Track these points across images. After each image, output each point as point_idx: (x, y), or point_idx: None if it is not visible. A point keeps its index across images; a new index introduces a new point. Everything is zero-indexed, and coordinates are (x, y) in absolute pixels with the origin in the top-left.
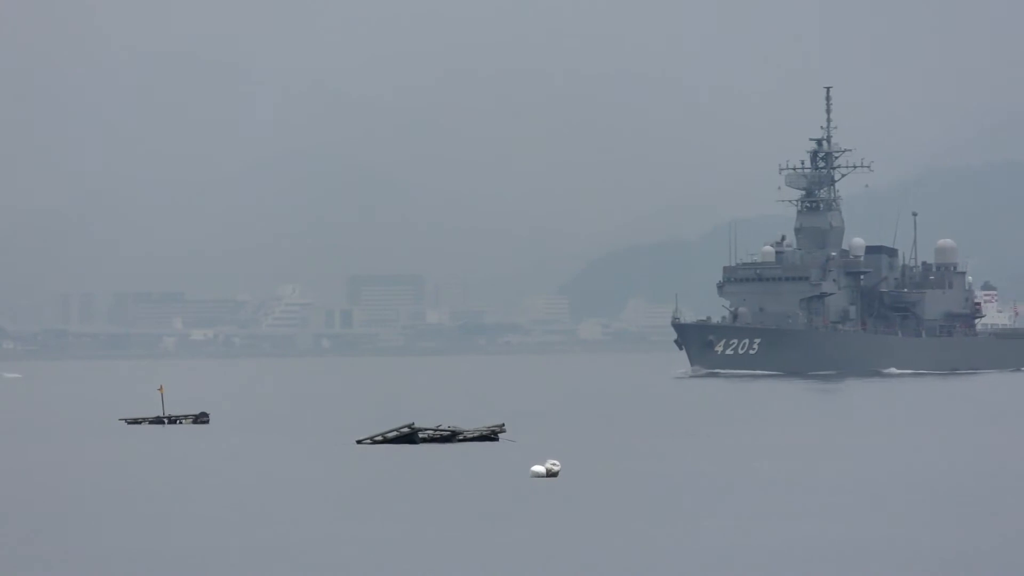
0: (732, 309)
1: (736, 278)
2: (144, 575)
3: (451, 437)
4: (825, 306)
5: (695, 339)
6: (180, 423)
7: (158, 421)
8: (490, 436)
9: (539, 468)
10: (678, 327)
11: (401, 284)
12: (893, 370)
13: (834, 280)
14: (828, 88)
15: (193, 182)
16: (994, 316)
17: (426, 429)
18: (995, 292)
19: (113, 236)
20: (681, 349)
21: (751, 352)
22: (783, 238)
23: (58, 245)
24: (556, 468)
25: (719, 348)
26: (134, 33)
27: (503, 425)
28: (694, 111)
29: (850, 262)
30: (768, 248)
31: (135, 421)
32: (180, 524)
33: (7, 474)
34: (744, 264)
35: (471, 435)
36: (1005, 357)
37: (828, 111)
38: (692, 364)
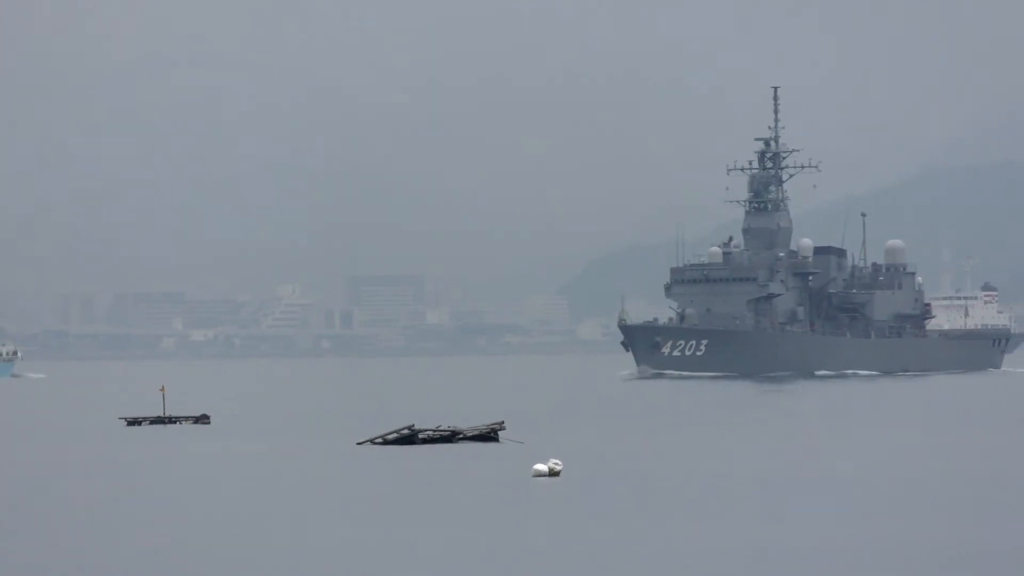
0: (679, 310)
1: (683, 279)
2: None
3: (451, 437)
4: (773, 307)
5: (642, 340)
6: (180, 423)
7: (159, 421)
8: (490, 435)
9: (541, 467)
10: (624, 329)
11: (401, 284)
12: (826, 372)
13: (782, 281)
14: (776, 88)
15: (193, 183)
16: (994, 317)
17: (426, 430)
18: (995, 293)
19: (113, 236)
20: (628, 351)
21: (698, 353)
22: (731, 239)
23: (58, 245)
24: (558, 467)
25: (666, 349)
26: (136, 34)
27: (503, 423)
28: (694, 112)
29: (798, 263)
30: (715, 249)
31: (135, 421)
32: (180, 525)
33: (11, 473)
34: (691, 265)
35: (471, 434)
36: (955, 359)
37: (776, 111)
38: (639, 365)
